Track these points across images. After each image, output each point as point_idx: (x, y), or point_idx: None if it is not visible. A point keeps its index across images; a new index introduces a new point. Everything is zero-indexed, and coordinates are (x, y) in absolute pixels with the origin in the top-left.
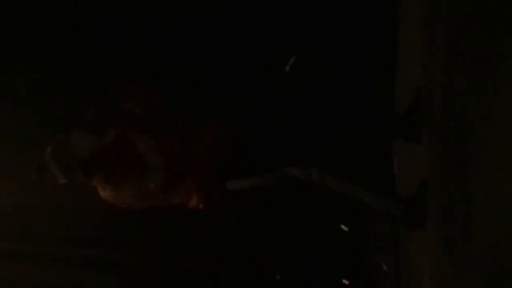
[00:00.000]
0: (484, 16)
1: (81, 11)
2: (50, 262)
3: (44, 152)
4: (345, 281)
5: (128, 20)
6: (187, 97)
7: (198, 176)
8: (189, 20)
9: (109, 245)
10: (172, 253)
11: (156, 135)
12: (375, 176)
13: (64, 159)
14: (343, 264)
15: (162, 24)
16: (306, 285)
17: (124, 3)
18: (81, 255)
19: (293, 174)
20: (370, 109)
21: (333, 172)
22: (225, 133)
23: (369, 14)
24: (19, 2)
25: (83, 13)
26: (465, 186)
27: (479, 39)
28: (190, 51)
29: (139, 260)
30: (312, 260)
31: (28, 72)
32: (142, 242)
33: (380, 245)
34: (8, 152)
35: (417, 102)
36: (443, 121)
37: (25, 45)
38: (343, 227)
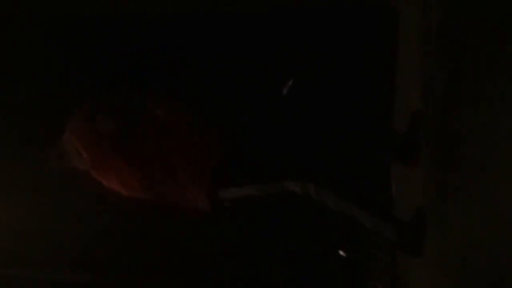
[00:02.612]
0: (482, 32)
1: (79, 13)
2: (37, 286)
3: (61, 139)
4: None
5: (128, 23)
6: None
7: (189, 180)
8: (188, 24)
9: (96, 269)
10: (163, 278)
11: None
12: (372, 199)
13: (88, 135)
14: (339, 287)
15: (162, 28)
16: None
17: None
18: (68, 279)
19: (290, 188)
20: (368, 131)
21: (330, 191)
22: (219, 139)
23: (367, 38)
24: (18, 5)
25: (81, 15)
26: (465, 212)
27: (477, 56)
28: (188, 56)
29: (128, 283)
30: (307, 284)
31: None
32: (131, 265)
33: (377, 269)
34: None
35: (415, 125)
36: (442, 145)
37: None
38: (341, 252)
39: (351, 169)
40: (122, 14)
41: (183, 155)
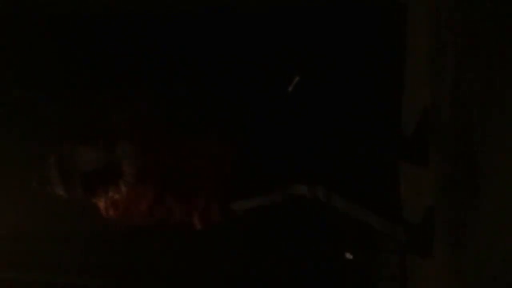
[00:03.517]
0: (492, 31)
1: (81, 15)
2: None
3: (46, 162)
4: None
5: (129, 25)
6: (190, 113)
7: (198, 194)
8: (189, 23)
9: (96, 271)
10: (162, 279)
11: (138, 143)
12: (381, 200)
13: (66, 172)
14: None
15: (162, 27)
16: None
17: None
18: (67, 282)
19: (300, 192)
20: (377, 132)
21: (339, 193)
22: (227, 152)
23: (376, 36)
24: (18, 6)
25: (83, 17)
26: (475, 212)
27: (487, 55)
28: (189, 58)
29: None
30: (314, 284)
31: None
32: (130, 268)
33: (387, 272)
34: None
35: (424, 124)
36: (451, 144)
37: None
38: (348, 255)
39: (359, 170)
40: (122, 14)
41: (196, 176)
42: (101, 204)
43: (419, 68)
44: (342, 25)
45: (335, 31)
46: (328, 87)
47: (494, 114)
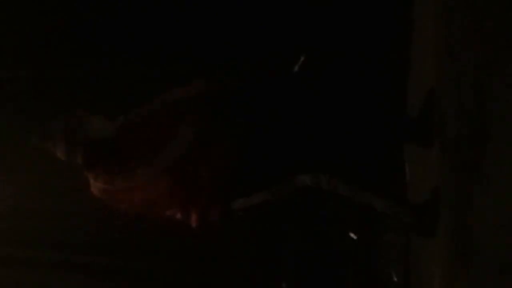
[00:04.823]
0: (499, 11)
1: (81, 8)
2: (40, 267)
3: (54, 122)
4: None
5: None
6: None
7: (200, 196)
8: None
9: (100, 250)
10: (166, 259)
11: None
12: (386, 182)
13: (72, 137)
14: (352, 274)
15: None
16: None
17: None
18: (73, 260)
19: (303, 183)
20: (381, 112)
21: (343, 178)
22: (227, 150)
23: (382, 14)
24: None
25: (83, 11)
26: (480, 192)
27: (496, 35)
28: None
29: (131, 265)
30: (319, 269)
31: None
32: (134, 247)
33: (390, 254)
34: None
35: (429, 104)
36: (457, 125)
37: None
38: (352, 235)
39: (363, 151)
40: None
41: (197, 174)
42: (94, 181)
43: (425, 49)
44: (347, 5)
45: (338, 11)
46: (331, 70)
47: (501, 95)
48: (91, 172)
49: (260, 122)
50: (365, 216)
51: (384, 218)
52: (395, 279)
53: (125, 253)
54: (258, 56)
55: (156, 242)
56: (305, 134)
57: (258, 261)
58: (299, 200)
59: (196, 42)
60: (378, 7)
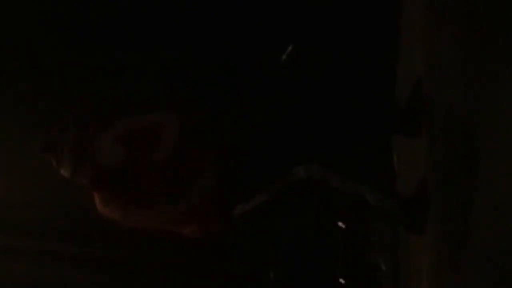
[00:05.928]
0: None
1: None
2: (43, 258)
3: (63, 134)
4: (342, 281)
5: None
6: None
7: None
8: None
9: (104, 241)
10: (167, 250)
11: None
12: (375, 174)
13: (80, 155)
14: (341, 263)
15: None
16: (302, 284)
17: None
18: (74, 251)
19: (297, 176)
20: (370, 103)
21: (332, 169)
22: (220, 155)
23: (370, 6)
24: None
25: (83, 10)
26: (468, 184)
27: (486, 27)
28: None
29: (134, 257)
30: (308, 259)
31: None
32: (138, 239)
33: (379, 243)
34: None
35: (417, 94)
36: (445, 115)
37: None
38: (340, 224)
39: (352, 144)
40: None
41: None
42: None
43: (414, 39)
44: (334, 4)
45: (327, 6)
46: (319, 61)
47: (489, 86)
48: (98, 193)
49: (254, 119)
50: (354, 205)
51: (373, 208)
52: (383, 267)
53: (123, 245)
54: (254, 56)
55: (153, 234)
56: (296, 127)
57: (247, 249)
58: (289, 191)
59: (196, 42)
60: (367, 2)
